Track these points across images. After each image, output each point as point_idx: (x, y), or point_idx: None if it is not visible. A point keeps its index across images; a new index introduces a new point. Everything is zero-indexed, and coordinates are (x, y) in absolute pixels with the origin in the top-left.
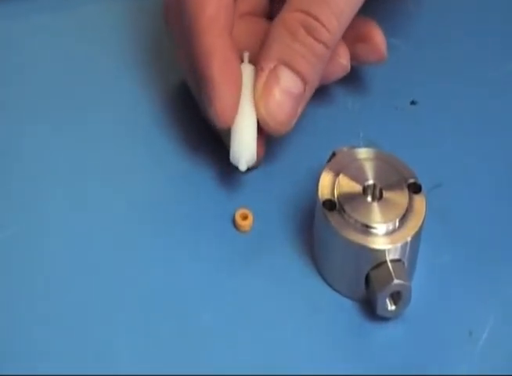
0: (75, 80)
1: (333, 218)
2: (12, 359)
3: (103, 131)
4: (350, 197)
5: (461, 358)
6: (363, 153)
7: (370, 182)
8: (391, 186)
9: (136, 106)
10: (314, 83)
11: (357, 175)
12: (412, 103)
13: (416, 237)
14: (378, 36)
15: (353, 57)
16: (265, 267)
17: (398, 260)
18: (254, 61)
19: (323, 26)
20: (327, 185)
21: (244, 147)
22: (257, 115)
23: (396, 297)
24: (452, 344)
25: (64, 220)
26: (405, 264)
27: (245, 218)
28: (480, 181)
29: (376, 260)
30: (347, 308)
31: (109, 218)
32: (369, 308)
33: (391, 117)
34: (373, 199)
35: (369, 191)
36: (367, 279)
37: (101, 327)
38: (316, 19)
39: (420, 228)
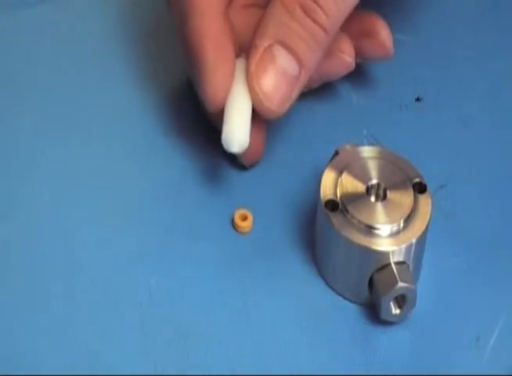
0: (65, 78)
1: (336, 218)
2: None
3: (98, 130)
4: (353, 197)
5: (468, 364)
6: (367, 151)
7: (374, 181)
8: (396, 186)
9: (132, 105)
10: (310, 68)
11: (360, 175)
12: (418, 99)
13: (422, 239)
14: (384, 31)
15: (358, 53)
16: (266, 270)
17: (403, 262)
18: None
19: (321, 9)
20: (330, 184)
21: (236, 129)
22: (251, 94)
23: (401, 300)
24: (458, 349)
25: (55, 220)
26: (410, 266)
27: (244, 219)
28: (487, 181)
29: (380, 262)
30: (350, 312)
31: (105, 220)
32: (373, 311)
33: (396, 114)
34: (377, 199)
35: (373, 191)
36: (371, 282)
37: (94, 330)
38: (315, 1)
39: (426, 229)
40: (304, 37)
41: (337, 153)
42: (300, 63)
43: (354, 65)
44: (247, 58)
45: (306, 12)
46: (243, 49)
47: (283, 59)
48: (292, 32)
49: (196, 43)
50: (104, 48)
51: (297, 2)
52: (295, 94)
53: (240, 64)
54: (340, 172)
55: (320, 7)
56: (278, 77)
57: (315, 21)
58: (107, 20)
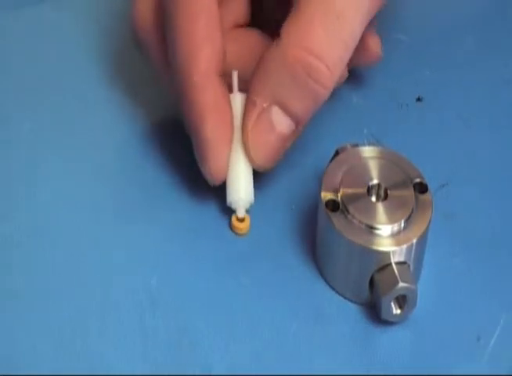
0: (65, 78)
1: (337, 218)
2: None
3: (99, 130)
4: (354, 197)
5: (469, 364)
6: (368, 151)
7: (375, 181)
8: (396, 186)
9: (135, 102)
10: (307, 121)
11: (361, 175)
12: (418, 99)
13: (422, 239)
14: (372, 40)
15: (349, 63)
16: (266, 269)
17: (404, 262)
18: (245, 77)
19: (326, 66)
20: (330, 184)
21: (241, 195)
22: (245, 152)
23: (401, 300)
24: (459, 349)
25: (55, 220)
26: (411, 266)
27: (242, 220)
28: (487, 181)
29: (381, 262)
30: (351, 311)
31: (105, 220)
32: (374, 311)
33: (396, 114)
34: (378, 199)
35: (374, 191)
36: (371, 282)
37: (94, 330)
38: (319, 58)
39: (426, 229)
40: (304, 99)
41: (337, 153)
42: (297, 121)
43: (381, 55)
44: (244, 114)
45: (309, 73)
46: (240, 77)
47: (281, 122)
48: (292, 95)
49: (196, 121)
50: (105, 49)
51: (301, 63)
52: (289, 144)
53: (235, 101)
54: (340, 172)
55: (325, 64)
56: (273, 140)
57: (317, 81)
58: (108, 20)
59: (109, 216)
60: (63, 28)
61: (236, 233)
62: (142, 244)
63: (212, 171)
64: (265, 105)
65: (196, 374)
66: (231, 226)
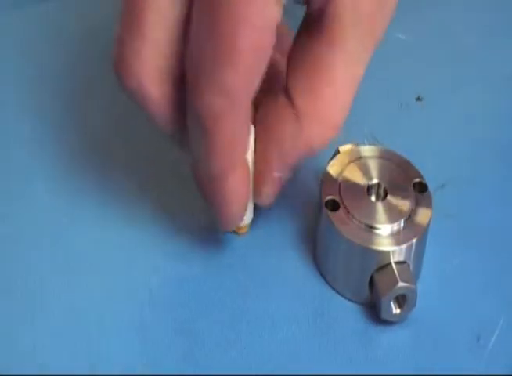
0: (66, 78)
1: (336, 218)
2: None
3: (99, 131)
4: (353, 197)
5: (468, 364)
6: (367, 151)
7: (374, 181)
8: (396, 186)
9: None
10: None
11: (361, 174)
12: (418, 99)
13: (422, 238)
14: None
15: None
16: (266, 269)
17: (403, 262)
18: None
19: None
20: (330, 184)
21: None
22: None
23: (401, 300)
24: (459, 349)
25: (54, 219)
26: (411, 266)
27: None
28: (488, 180)
29: (381, 262)
30: (351, 311)
31: (104, 219)
32: (373, 311)
33: (396, 113)
34: (378, 199)
35: (374, 190)
36: (371, 281)
37: (94, 330)
38: (337, 129)
39: (426, 229)
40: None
41: (337, 152)
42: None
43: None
44: (259, 181)
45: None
46: None
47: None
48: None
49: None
50: (107, 49)
51: (321, 139)
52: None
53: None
54: (340, 172)
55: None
56: (276, 188)
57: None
58: (110, 20)
59: (108, 215)
60: (64, 28)
61: (236, 233)
62: (142, 243)
63: (226, 225)
64: (274, 176)
65: (196, 373)
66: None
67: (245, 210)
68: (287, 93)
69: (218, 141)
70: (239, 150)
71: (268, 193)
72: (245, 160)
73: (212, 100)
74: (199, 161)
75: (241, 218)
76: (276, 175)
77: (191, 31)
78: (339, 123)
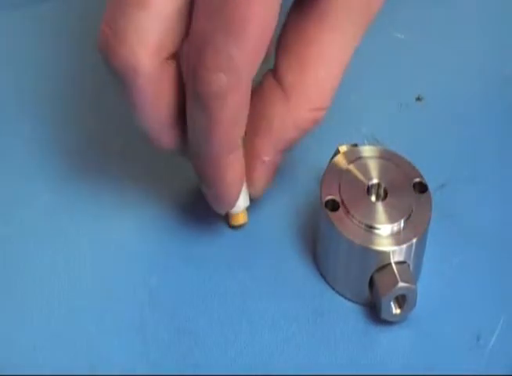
0: (66, 78)
1: (336, 218)
2: None
3: (99, 131)
4: (353, 197)
5: (468, 363)
6: (367, 151)
7: (374, 181)
8: (396, 186)
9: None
10: None
11: (361, 174)
12: (418, 99)
13: (422, 238)
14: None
15: None
16: (266, 269)
17: (403, 262)
18: None
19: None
20: (330, 184)
21: (239, 202)
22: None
23: (401, 300)
24: (459, 349)
25: (54, 219)
26: (411, 266)
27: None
28: (488, 180)
29: (381, 262)
30: (351, 311)
31: (104, 219)
32: (373, 311)
33: (396, 113)
34: (378, 199)
35: (374, 191)
36: (371, 281)
37: (94, 330)
38: (326, 108)
39: (426, 229)
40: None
41: (337, 152)
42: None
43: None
44: (250, 167)
45: (317, 124)
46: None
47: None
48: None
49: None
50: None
51: (313, 121)
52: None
53: None
54: (340, 172)
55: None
56: (270, 175)
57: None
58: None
59: (108, 215)
60: (64, 28)
61: (234, 226)
62: (142, 243)
63: (223, 210)
64: (269, 158)
65: (196, 373)
66: (228, 220)
67: (241, 189)
68: (276, 74)
69: (221, 119)
70: (238, 130)
71: (260, 178)
72: (241, 142)
73: (218, 76)
74: (198, 142)
75: (237, 198)
76: (266, 158)
77: (197, 5)
78: (327, 102)
